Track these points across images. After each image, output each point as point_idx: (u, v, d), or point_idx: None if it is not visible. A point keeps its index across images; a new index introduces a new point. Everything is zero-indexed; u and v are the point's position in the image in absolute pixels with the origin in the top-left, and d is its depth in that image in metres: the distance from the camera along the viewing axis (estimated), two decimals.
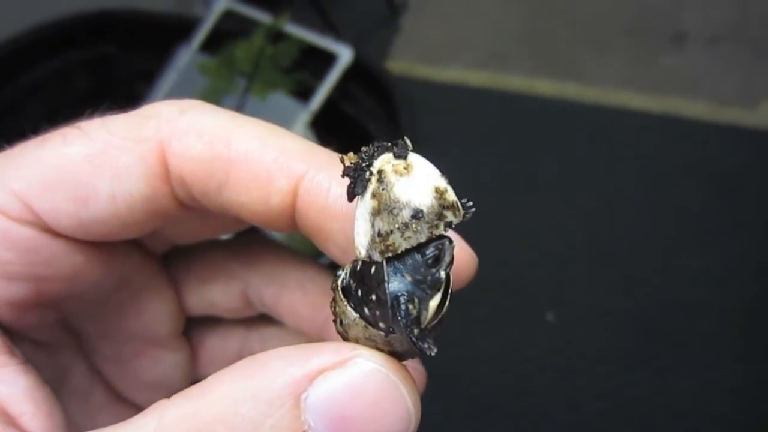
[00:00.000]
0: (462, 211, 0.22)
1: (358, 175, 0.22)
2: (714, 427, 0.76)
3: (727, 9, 1.16)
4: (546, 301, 0.86)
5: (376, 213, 0.21)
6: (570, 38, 1.19)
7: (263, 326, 0.34)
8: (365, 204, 0.22)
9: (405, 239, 0.21)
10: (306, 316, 0.32)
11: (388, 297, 0.21)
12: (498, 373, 0.82)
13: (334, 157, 0.26)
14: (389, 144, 0.22)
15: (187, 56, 1.02)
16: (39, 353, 0.29)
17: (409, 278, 0.21)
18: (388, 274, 0.21)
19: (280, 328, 0.34)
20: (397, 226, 0.21)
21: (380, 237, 0.21)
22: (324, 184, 0.25)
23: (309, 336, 0.33)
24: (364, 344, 0.23)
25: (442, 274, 0.22)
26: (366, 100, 0.97)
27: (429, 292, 0.22)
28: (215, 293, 0.33)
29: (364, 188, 0.22)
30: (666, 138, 1.03)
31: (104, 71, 1.06)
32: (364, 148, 0.22)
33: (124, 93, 1.05)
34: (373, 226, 0.21)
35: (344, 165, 0.22)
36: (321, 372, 0.21)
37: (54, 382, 0.28)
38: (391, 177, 0.21)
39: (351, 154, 0.22)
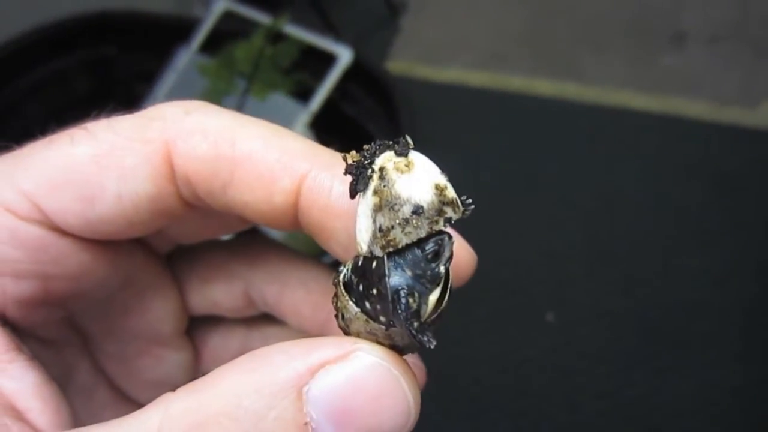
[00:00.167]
0: (461, 208, 0.22)
1: (360, 173, 0.22)
2: (714, 427, 0.76)
3: (727, 9, 1.17)
4: (546, 301, 0.87)
5: (377, 209, 0.22)
6: (570, 38, 1.19)
7: (265, 325, 0.35)
8: (367, 200, 0.22)
9: (405, 234, 0.22)
10: (308, 315, 0.32)
11: (389, 291, 0.22)
12: (498, 373, 0.82)
13: (337, 156, 0.26)
14: (391, 142, 0.23)
15: (186, 57, 1.03)
16: (45, 351, 0.29)
17: (409, 273, 0.22)
18: (388, 269, 0.22)
19: (282, 327, 0.34)
20: (397, 221, 0.22)
21: (381, 232, 0.22)
22: (326, 183, 0.26)
23: (311, 335, 0.33)
24: (366, 338, 0.23)
25: (442, 269, 0.22)
26: (366, 101, 0.97)
27: (429, 286, 0.22)
28: (218, 292, 0.33)
29: (366, 185, 0.22)
30: (666, 138, 1.03)
31: (104, 72, 1.06)
32: (366, 147, 0.23)
33: (124, 94, 1.05)
34: (374, 221, 0.22)
35: (346, 163, 0.23)
36: (323, 365, 0.21)
37: (60, 379, 0.28)
38: (392, 174, 0.22)
39: (353, 152, 0.23)
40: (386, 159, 0.22)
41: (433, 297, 0.22)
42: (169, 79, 1.03)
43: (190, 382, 0.22)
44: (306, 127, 0.95)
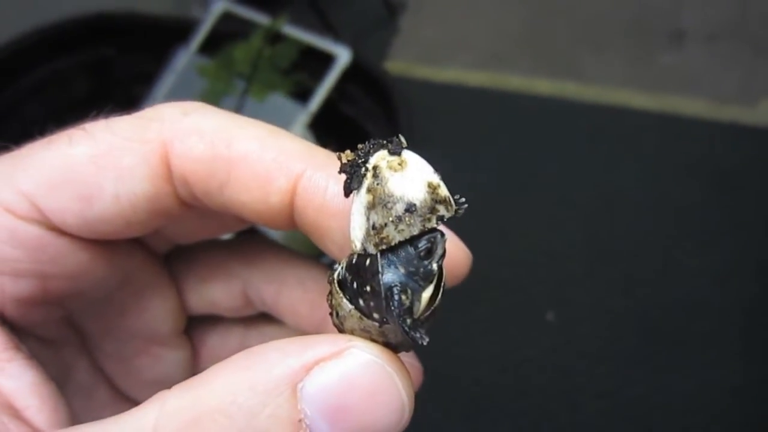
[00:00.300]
0: (454, 206, 0.23)
1: (355, 171, 0.23)
2: (714, 426, 0.76)
3: (725, 7, 1.17)
4: (546, 301, 0.87)
5: (371, 207, 0.22)
6: (569, 38, 1.19)
7: (263, 325, 0.35)
8: (361, 198, 0.23)
9: (398, 232, 0.22)
10: (305, 314, 0.32)
11: (382, 288, 0.22)
12: (498, 372, 0.82)
13: (332, 157, 0.27)
14: (384, 141, 0.23)
15: (185, 58, 1.03)
16: (44, 350, 0.29)
17: (402, 270, 0.22)
18: (382, 266, 0.22)
19: (279, 326, 0.34)
20: (391, 219, 0.22)
21: (375, 230, 0.22)
22: (322, 183, 0.26)
23: (308, 334, 0.33)
24: (360, 335, 0.23)
25: (435, 266, 0.22)
26: (364, 101, 0.98)
27: (422, 283, 0.22)
28: (216, 292, 0.33)
29: (360, 183, 0.23)
30: (666, 137, 1.03)
31: (103, 73, 1.07)
32: (360, 146, 0.23)
33: (123, 95, 1.05)
34: (368, 219, 0.22)
35: (341, 162, 0.23)
36: (317, 363, 0.22)
37: (59, 378, 0.28)
38: (385, 172, 0.22)
39: (348, 151, 0.23)
40: (380, 157, 0.22)
41: (426, 294, 0.22)
42: (168, 80, 1.03)
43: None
44: (305, 128, 0.95)
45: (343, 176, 0.23)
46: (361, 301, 0.23)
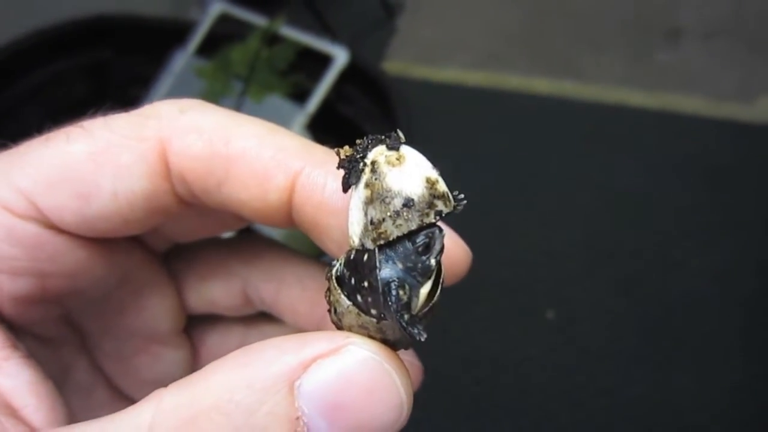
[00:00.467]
0: (453, 202, 0.22)
1: (353, 167, 0.22)
2: (714, 425, 0.76)
3: (722, 4, 1.17)
4: (546, 300, 0.87)
5: (369, 202, 0.22)
6: (567, 37, 1.19)
7: (263, 324, 0.35)
8: (359, 193, 0.22)
9: (396, 227, 0.22)
10: (305, 313, 0.32)
11: (380, 283, 0.22)
12: (498, 371, 0.82)
13: (330, 154, 0.26)
14: (383, 137, 0.23)
15: (183, 60, 1.03)
16: (42, 349, 0.29)
17: (400, 265, 0.22)
18: (380, 261, 0.22)
19: (279, 325, 0.34)
20: (389, 214, 0.22)
21: (373, 225, 0.22)
22: (320, 180, 0.26)
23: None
24: (357, 332, 0.23)
25: (433, 261, 0.22)
26: (362, 102, 0.97)
27: (420, 279, 0.22)
28: (215, 291, 0.33)
29: (358, 178, 0.22)
30: (664, 134, 1.03)
31: (101, 75, 1.07)
32: (358, 141, 0.23)
33: (121, 97, 1.05)
34: (366, 214, 0.22)
35: (339, 158, 0.23)
36: (315, 360, 0.21)
37: (57, 378, 0.28)
38: (383, 167, 0.22)
39: (346, 147, 0.23)
40: (378, 153, 0.22)
41: (424, 290, 0.22)
42: (166, 81, 1.03)
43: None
44: (303, 129, 0.95)
45: (342, 172, 0.23)
46: (359, 297, 0.23)
